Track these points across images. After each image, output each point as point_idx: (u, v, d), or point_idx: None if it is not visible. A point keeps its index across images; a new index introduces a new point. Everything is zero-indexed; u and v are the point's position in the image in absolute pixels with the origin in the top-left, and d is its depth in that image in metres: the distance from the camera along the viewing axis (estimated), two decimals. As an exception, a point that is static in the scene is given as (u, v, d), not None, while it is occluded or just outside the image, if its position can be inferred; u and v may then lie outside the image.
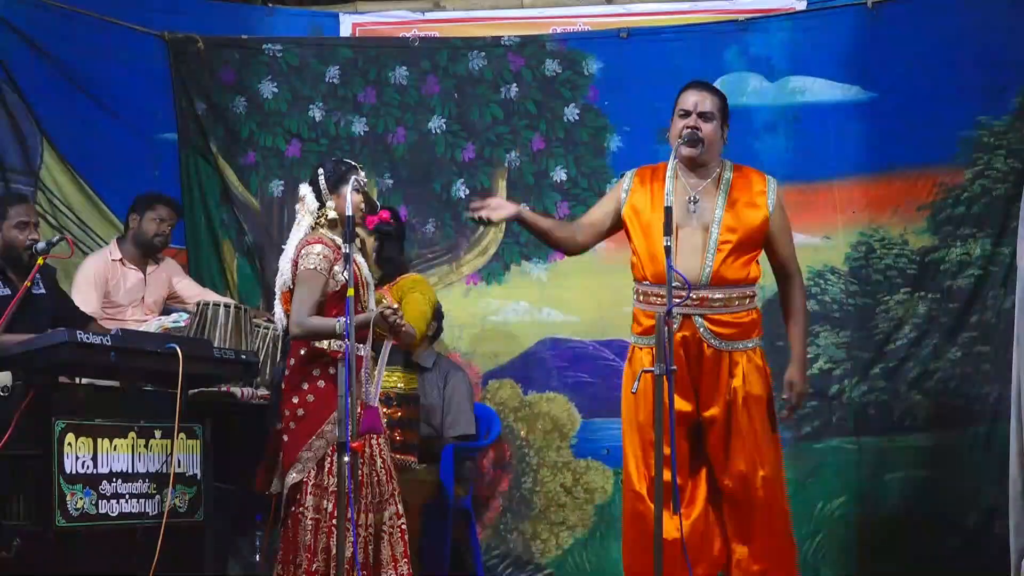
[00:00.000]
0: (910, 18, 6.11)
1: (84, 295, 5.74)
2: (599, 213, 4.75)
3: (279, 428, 4.68)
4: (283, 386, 4.69)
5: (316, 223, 4.70)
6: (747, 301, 4.54)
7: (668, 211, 4.14)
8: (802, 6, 6.43)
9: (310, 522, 4.54)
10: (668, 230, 4.13)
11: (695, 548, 4.49)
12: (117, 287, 5.85)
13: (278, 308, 4.72)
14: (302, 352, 4.64)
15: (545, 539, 6.37)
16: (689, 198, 4.56)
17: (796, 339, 4.63)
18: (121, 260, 5.91)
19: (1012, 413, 5.40)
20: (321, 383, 4.58)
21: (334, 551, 4.40)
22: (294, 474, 4.57)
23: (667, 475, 4.05)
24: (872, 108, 6.19)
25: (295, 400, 4.60)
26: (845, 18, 6.25)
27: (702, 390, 4.52)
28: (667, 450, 4.03)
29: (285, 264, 4.68)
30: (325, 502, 4.56)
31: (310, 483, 4.56)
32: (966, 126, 6.06)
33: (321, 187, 4.70)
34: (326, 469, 4.56)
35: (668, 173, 4.44)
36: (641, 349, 4.58)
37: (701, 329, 4.49)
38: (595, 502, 6.36)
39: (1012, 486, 5.38)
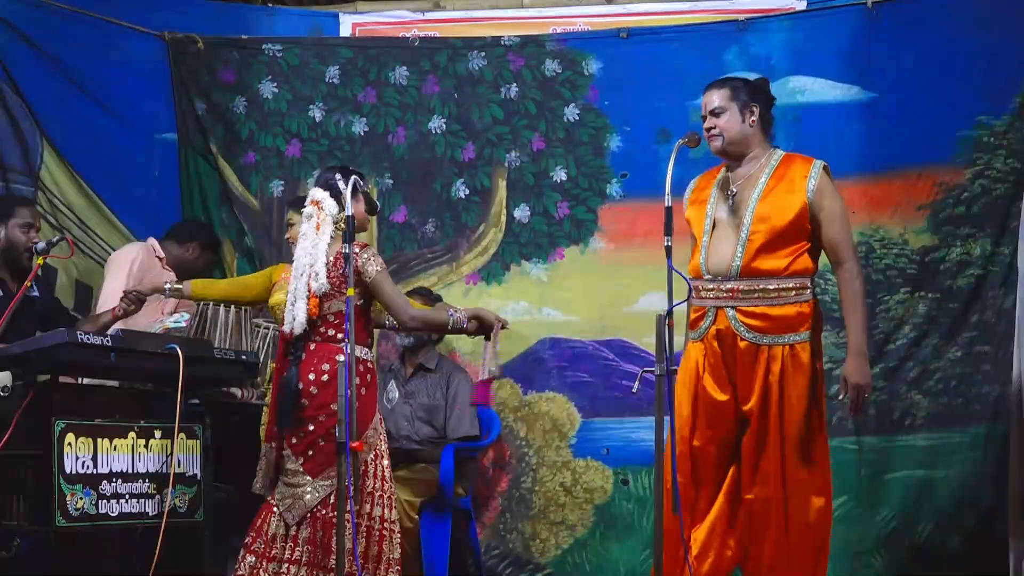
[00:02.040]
0: (910, 18, 6.11)
1: (116, 279, 5.75)
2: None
3: (310, 430, 4.64)
4: (311, 390, 4.63)
5: (336, 228, 4.72)
6: (792, 294, 4.45)
7: (668, 211, 4.15)
8: (802, 6, 6.43)
9: (352, 525, 4.55)
10: (668, 230, 4.13)
11: (705, 545, 4.48)
12: (155, 278, 5.87)
13: (301, 311, 4.65)
14: (339, 358, 4.60)
15: (544, 539, 6.37)
16: (728, 192, 4.57)
17: (850, 329, 4.48)
18: (162, 259, 5.95)
19: (1012, 413, 5.42)
20: (363, 391, 4.59)
21: (382, 554, 4.56)
22: (334, 481, 4.55)
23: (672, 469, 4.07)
24: (872, 108, 6.19)
25: (334, 407, 4.56)
26: (845, 18, 6.24)
27: (738, 383, 4.48)
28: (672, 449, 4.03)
29: (319, 268, 4.63)
30: (367, 505, 4.58)
31: (351, 488, 4.58)
32: (966, 126, 6.05)
33: (344, 193, 4.70)
34: (371, 473, 4.60)
35: (720, 174, 4.63)
36: (692, 343, 4.60)
37: (733, 322, 4.46)
38: (595, 502, 6.35)
39: (1012, 486, 5.39)
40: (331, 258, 4.66)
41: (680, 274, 4.28)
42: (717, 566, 4.53)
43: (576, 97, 6.47)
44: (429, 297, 6.13)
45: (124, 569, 4.59)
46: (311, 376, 4.62)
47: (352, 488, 4.25)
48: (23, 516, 4.36)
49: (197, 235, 6.14)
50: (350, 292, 4.33)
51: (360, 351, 4.62)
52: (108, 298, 5.76)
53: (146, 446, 4.69)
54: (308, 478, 4.60)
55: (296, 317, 4.64)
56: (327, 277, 4.63)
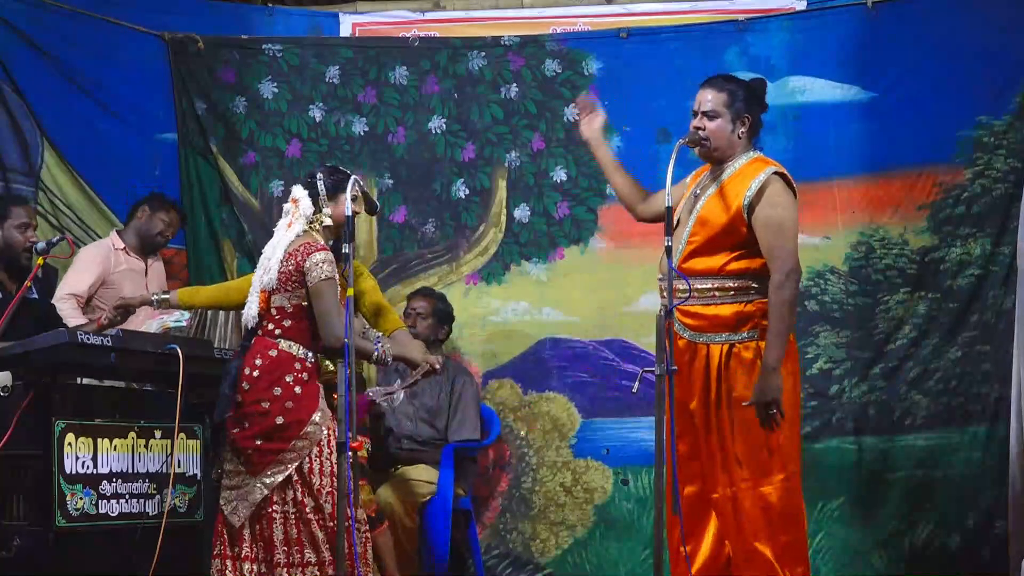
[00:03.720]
0: (910, 18, 6.12)
1: (78, 274, 5.74)
2: (660, 199, 4.61)
3: (245, 427, 4.59)
4: (244, 385, 4.59)
5: (309, 226, 4.70)
6: (730, 294, 4.39)
7: (668, 211, 4.14)
8: (802, 6, 6.43)
9: (281, 517, 4.53)
10: (668, 230, 4.12)
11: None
12: (122, 274, 5.86)
13: (253, 304, 4.66)
14: (272, 354, 4.59)
15: (544, 539, 6.37)
16: (695, 194, 4.56)
17: (766, 343, 4.37)
18: (124, 249, 5.93)
19: (1012, 413, 5.42)
20: (298, 388, 4.54)
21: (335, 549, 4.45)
22: (277, 476, 4.53)
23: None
24: (872, 108, 6.19)
25: (266, 405, 4.53)
26: (845, 18, 6.25)
27: (680, 381, 4.42)
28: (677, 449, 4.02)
29: (272, 263, 4.64)
30: (310, 499, 4.53)
31: (297, 480, 4.55)
32: (966, 126, 6.06)
33: (320, 193, 4.70)
34: (309, 468, 4.54)
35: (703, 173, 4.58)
36: None
37: (673, 319, 4.44)
38: (594, 502, 6.36)
39: (1012, 486, 5.39)
40: (287, 254, 4.65)
41: (680, 274, 4.27)
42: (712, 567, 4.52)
43: (576, 97, 6.47)
44: (432, 296, 6.13)
45: (124, 569, 4.58)
46: (246, 371, 4.59)
47: (352, 488, 4.25)
48: (23, 516, 4.36)
49: (147, 202, 6.03)
50: (350, 292, 4.30)
51: (298, 349, 4.60)
52: (68, 287, 5.72)
53: (146, 446, 4.69)
54: (250, 478, 4.58)
55: (249, 310, 4.66)
56: (276, 272, 4.63)
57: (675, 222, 4.53)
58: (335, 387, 4.55)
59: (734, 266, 4.40)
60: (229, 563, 4.58)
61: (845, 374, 6.16)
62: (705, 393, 4.42)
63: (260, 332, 4.64)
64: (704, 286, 4.41)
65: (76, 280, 5.74)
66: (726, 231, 4.41)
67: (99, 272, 5.81)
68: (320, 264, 4.57)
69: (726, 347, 4.40)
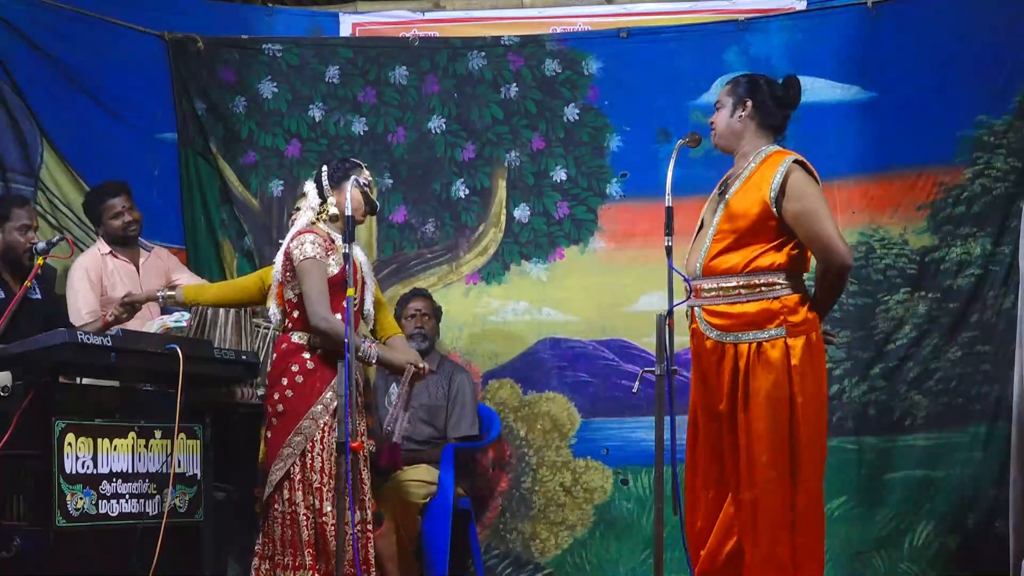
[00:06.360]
0: (910, 18, 6.12)
1: (79, 294, 5.74)
2: None
3: (264, 424, 4.68)
4: (267, 382, 4.71)
5: (317, 218, 4.73)
6: (756, 291, 4.35)
7: (668, 211, 4.14)
8: (802, 6, 6.43)
9: (303, 518, 4.54)
10: (668, 230, 4.12)
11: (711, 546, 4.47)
12: (112, 282, 5.85)
13: (272, 304, 4.72)
14: (283, 347, 4.64)
15: (544, 539, 6.37)
16: (719, 193, 4.55)
17: None
18: (111, 253, 5.92)
19: (1014, 413, 5.42)
20: (299, 378, 4.58)
21: (331, 548, 4.43)
22: (276, 472, 4.58)
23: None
24: (872, 108, 6.19)
25: (275, 396, 4.62)
26: (845, 18, 6.25)
27: (709, 382, 4.43)
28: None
29: (278, 258, 4.69)
30: (311, 498, 4.55)
31: (296, 479, 4.56)
32: (966, 126, 6.06)
33: (324, 183, 4.73)
34: (308, 465, 4.56)
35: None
36: None
37: (699, 320, 4.43)
38: (594, 502, 6.36)
39: (1012, 486, 5.40)
40: (285, 246, 4.69)
41: (680, 274, 4.27)
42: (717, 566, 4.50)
43: (576, 97, 6.47)
44: (428, 295, 6.15)
45: (124, 569, 4.58)
46: (269, 369, 4.68)
47: (351, 489, 4.26)
48: (23, 516, 4.36)
49: (90, 215, 6.02)
50: (350, 292, 4.32)
51: (309, 339, 4.61)
52: (80, 307, 5.74)
53: (146, 446, 4.69)
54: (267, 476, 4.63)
55: (271, 310, 4.76)
56: (280, 265, 4.66)
57: (699, 225, 4.54)
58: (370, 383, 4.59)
59: (761, 262, 4.37)
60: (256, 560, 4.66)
61: (845, 374, 6.15)
62: (733, 393, 4.40)
63: (282, 329, 4.70)
64: (730, 284, 4.39)
65: (79, 301, 5.73)
66: (754, 228, 4.38)
67: (92, 282, 5.80)
68: (300, 246, 4.60)
69: (754, 345, 4.36)
